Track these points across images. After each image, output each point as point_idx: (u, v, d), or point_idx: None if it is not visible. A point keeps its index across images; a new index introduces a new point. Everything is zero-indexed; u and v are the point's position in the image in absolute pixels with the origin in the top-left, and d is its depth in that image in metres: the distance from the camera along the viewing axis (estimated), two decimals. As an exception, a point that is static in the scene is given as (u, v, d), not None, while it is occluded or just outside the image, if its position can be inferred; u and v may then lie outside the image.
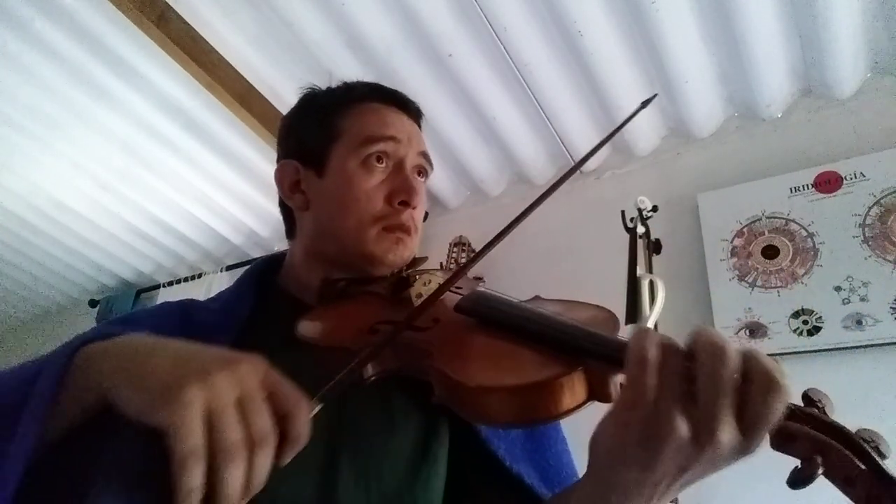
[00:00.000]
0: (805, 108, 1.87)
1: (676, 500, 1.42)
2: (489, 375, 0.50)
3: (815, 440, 0.40)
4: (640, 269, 1.55)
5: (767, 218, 1.78)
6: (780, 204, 1.77)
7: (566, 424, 0.54)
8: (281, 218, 0.83)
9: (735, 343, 0.41)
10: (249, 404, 0.39)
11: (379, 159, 0.73)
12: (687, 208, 1.94)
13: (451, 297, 0.65)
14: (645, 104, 0.74)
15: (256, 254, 2.95)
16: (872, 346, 1.52)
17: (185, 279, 3.22)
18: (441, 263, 2.17)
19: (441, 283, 0.57)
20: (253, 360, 0.43)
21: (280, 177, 0.79)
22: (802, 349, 1.58)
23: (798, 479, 0.39)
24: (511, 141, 2.17)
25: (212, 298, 0.77)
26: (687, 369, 0.40)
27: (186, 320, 0.68)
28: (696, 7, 1.64)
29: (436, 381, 0.53)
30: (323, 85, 0.83)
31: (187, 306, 0.73)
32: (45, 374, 0.44)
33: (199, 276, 3.16)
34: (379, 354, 0.54)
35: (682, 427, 0.39)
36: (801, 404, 0.42)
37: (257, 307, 0.72)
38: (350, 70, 1.85)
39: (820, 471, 0.38)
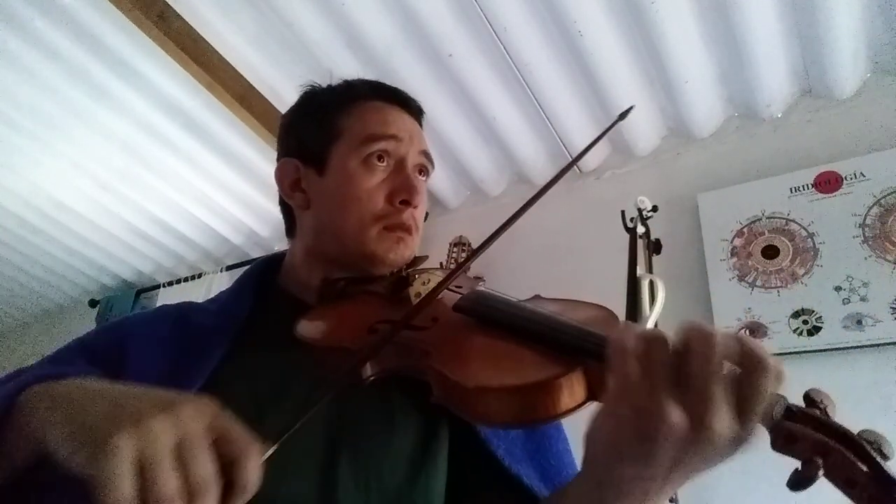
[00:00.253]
0: (805, 108, 1.87)
1: (676, 500, 1.42)
2: (488, 375, 0.50)
3: (816, 441, 0.39)
4: (640, 269, 1.55)
5: (767, 218, 1.78)
6: (780, 204, 1.77)
7: (567, 423, 0.54)
8: (281, 218, 0.83)
9: (739, 332, 0.40)
10: (190, 451, 0.36)
11: (380, 158, 0.73)
12: (687, 208, 1.94)
13: (450, 297, 0.64)
14: (622, 116, 0.73)
15: (256, 254, 2.95)
16: (872, 346, 1.52)
17: (185, 279, 3.21)
18: (441, 263, 2.17)
19: (449, 282, 0.57)
20: (199, 402, 0.39)
21: (280, 175, 0.78)
22: (802, 349, 1.58)
23: (798, 481, 0.38)
24: (511, 141, 2.17)
25: (210, 300, 0.77)
26: (675, 358, 0.40)
27: (182, 324, 0.68)
28: (696, 7, 1.64)
29: (434, 382, 0.53)
30: (323, 84, 0.83)
31: (184, 309, 0.73)
32: None
33: (199, 276, 3.16)
34: (377, 354, 0.54)
35: (675, 416, 0.38)
36: (803, 405, 0.42)
37: (256, 307, 0.71)
38: (350, 70, 1.85)
39: (821, 472, 0.38)
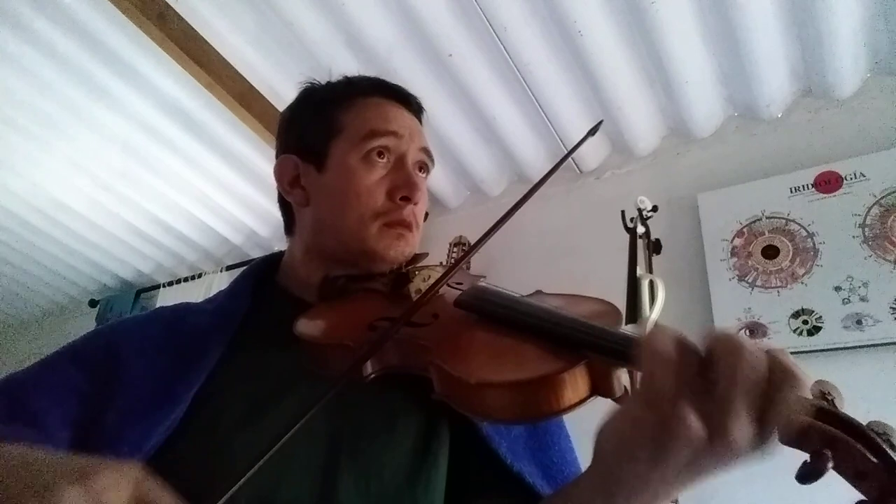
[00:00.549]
0: (805, 108, 1.87)
1: (676, 499, 1.42)
2: (490, 371, 0.50)
3: (825, 434, 0.38)
4: (640, 269, 1.55)
5: (767, 218, 1.78)
6: (780, 204, 1.77)
7: (569, 420, 0.54)
8: (281, 218, 0.82)
9: (739, 332, 0.40)
10: None
11: (380, 154, 0.72)
12: (687, 208, 1.94)
13: (451, 293, 0.64)
14: (592, 131, 0.72)
15: (256, 254, 2.95)
16: (872, 346, 1.52)
17: (185, 279, 3.22)
18: (441, 263, 2.17)
19: (448, 278, 0.57)
20: (120, 470, 0.36)
21: (279, 172, 0.77)
22: (802, 349, 1.58)
23: (807, 474, 0.37)
24: (511, 141, 2.17)
25: (207, 300, 0.76)
26: (702, 367, 0.40)
27: (177, 326, 0.67)
28: (696, 7, 1.64)
29: (436, 378, 0.53)
30: (322, 81, 0.83)
31: (180, 311, 0.72)
32: None
33: (199, 276, 3.16)
34: (377, 351, 0.53)
35: (696, 424, 0.38)
36: (810, 397, 0.41)
37: (254, 307, 0.71)
38: (350, 70, 1.85)
39: (830, 465, 0.37)
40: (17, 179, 2.64)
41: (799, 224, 1.73)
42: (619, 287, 1.50)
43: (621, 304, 1.47)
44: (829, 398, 0.40)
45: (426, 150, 0.78)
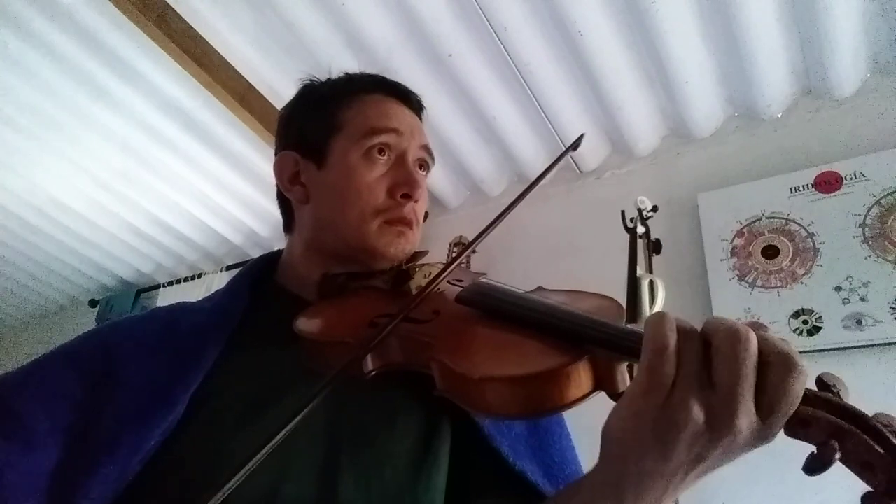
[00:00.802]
0: (805, 108, 1.87)
1: (677, 500, 1.42)
2: (492, 366, 0.49)
3: (832, 425, 0.38)
4: (640, 269, 1.55)
5: (767, 218, 1.78)
6: (780, 204, 1.77)
7: (569, 415, 0.54)
8: (281, 218, 0.83)
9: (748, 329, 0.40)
10: None
11: (381, 151, 0.72)
12: (687, 208, 1.94)
13: (452, 290, 0.64)
14: (575, 146, 0.71)
15: (256, 254, 2.93)
16: (872, 346, 1.51)
17: (185, 279, 3.21)
18: (442, 262, 2.17)
19: (446, 275, 0.56)
20: None
21: (279, 169, 0.77)
22: (802, 349, 1.58)
23: (815, 466, 0.38)
24: (511, 141, 2.17)
25: (205, 298, 0.76)
26: (703, 354, 0.40)
27: (174, 325, 0.66)
28: (696, 7, 1.64)
29: (438, 374, 0.52)
30: (322, 78, 0.82)
31: (176, 310, 0.72)
32: None
33: (199, 276, 3.16)
34: (376, 348, 0.53)
35: (699, 414, 0.38)
36: (815, 389, 0.41)
37: (253, 305, 0.70)
38: (350, 70, 1.85)
39: (837, 456, 0.37)
40: (17, 179, 2.63)
41: (799, 224, 1.73)
42: (619, 287, 1.50)
43: (621, 304, 1.46)
44: (835, 390, 0.40)
45: (427, 148, 0.77)
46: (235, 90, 2.05)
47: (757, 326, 0.41)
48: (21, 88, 2.15)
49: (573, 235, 2.15)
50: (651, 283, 1.51)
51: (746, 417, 0.38)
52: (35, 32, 1.94)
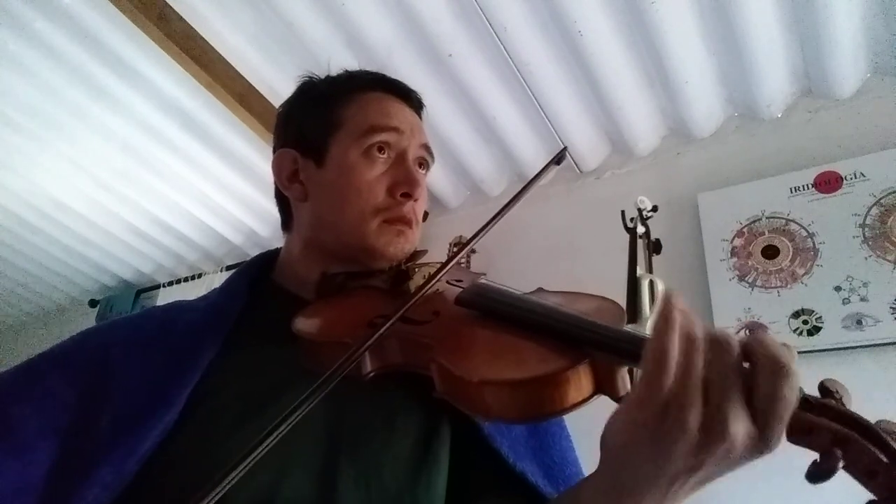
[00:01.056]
0: (805, 108, 1.87)
1: None
2: (492, 369, 0.49)
3: (835, 432, 0.38)
4: (640, 269, 1.55)
5: (767, 218, 1.78)
6: (780, 204, 1.77)
7: (568, 418, 0.54)
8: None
9: (738, 332, 0.39)
10: None
11: (381, 150, 0.71)
12: (687, 208, 1.94)
13: (452, 291, 0.64)
14: (559, 160, 0.70)
15: (256, 253, 2.93)
16: (872, 346, 1.51)
17: (185, 279, 3.21)
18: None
19: (441, 274, 0.56)
20: None
21: (277, 166, 0.76)
22: (802, 349, 1.58)
23: (817, 474, 0.37)
24: (511, 141, 2.17)
25: (201, 297, 0.75)
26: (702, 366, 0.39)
27: (169, 326, 0.66)
28: (696, 7, 1.64)
29: (437, 376, 0.52)
30: (321, 75, 0.81)
31: (172, 309, 0.71)
32: None
33: (199, 276, 3.16)
34: (374, 348, 0.52)
35: (694, 424, 0.37)
36: (818, 395, 0.41)
37: (250, 304, 0.70)
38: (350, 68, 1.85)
39: (840, 464, 0.37)
40: (17, 179, 2.63)
41: (799, 224, 1.73)
42: (619, 287, 1.49)
43: (621, 304, 1.46)
44: (838, 396, 0.40)
45: (426, 147, 0.77)
46: (235, 90, 2.05)
47: (756, 327, 0.41)
48: (21, 88, 2.14)
49: (573, 235, 2.15)
50: (651, 283, 1.51)
51: (739, 425, 0.37)
52: (35, 32, 1.93)
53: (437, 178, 2.40)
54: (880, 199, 1.64)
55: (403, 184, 0.71)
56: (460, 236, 2.28)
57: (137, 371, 0.59)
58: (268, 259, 0.80)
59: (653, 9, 1.60)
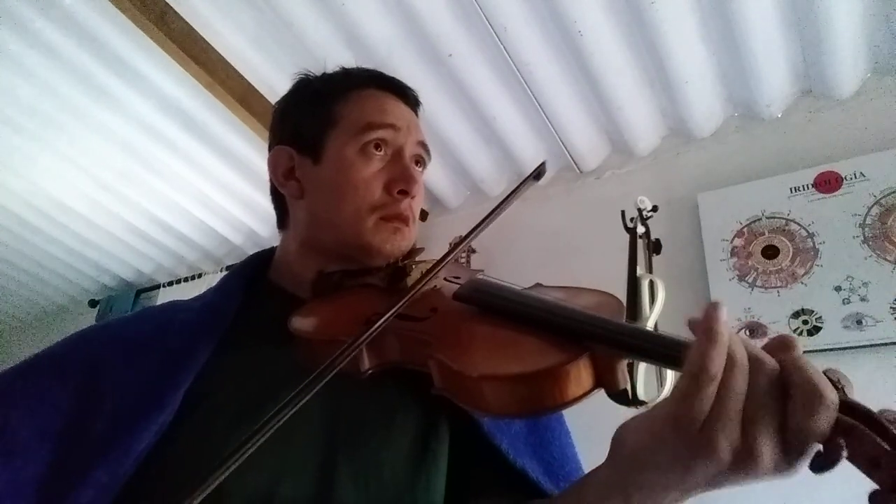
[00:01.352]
0: (805, 108, 1.87)
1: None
2: (491, 364, 0.49)
3: (838, 422, 0.38)
4: (640, 269, 1.55)
5: (767, 218, 1.78)
6: (780, 204, 1.77)
7: (567, 414, 0.53)
8: None
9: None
10: None
11: (377, 147, 0.71)
12: (687, 208, 1.94)
13: (449, 287, 0.63)
14: (538, 175, 0.67)
15: (256, 254, 2.94)
16: (872, 346, 1.51)
17: (185, 279, 3.22)
18: (441, 263, 2.17)
19: (439, 272, 0.55)
20: None
21: (273, 164, 0.76)
22: (802, 349, 1.57)
23: (822, 464, 0.37)
24: (511, 141, 2.17)
25: (196, 297, 0.74)
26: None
27: (164, 326, 0.65)
28: (696, 7, 1.64)
29: (436, 372, 0.52)
30: (317, 73, 0.81)
31: (168, 309, 0.71)
32: None
33: (199, 276, 3.16)
34: (372, 344, 0.52)
35: (726, 448, 0.37)
36: None
37: (246, 304, 0.69)
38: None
39: (845, 454, 0.36)
40: (17, 179, 2.63)
41: (799, 224, 1.73)
42: (619, 287, 1.50)
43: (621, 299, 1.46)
44: (840, 386, 0.40)
45: (423, 144, 0.77)
46: (235, 90, 2.04)
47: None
48: (21, 88, 2.14)
49: (573, 235, 2.15)
50: (651, 283, 1.51)
51: (770, 453, 0.37)
52: (35, 32, 1.93)
53: (437, 178, 2.40)
54: (880, 199, 1.64)
55: (400, 181, 0.70)
56: (460, 236, 2.28)
57: (132, 371, 0.59)
58: (263, 258, 0.80)
59: (653, 9, 1.60)
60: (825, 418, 0.36)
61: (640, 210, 1.66)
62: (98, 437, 0.54)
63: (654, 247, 1.69)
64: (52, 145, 2.40)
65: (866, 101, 1.78)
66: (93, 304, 3.53)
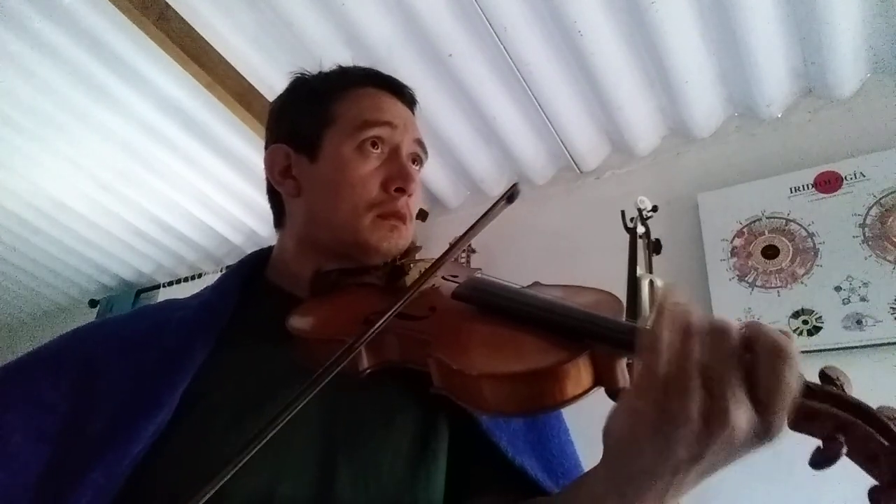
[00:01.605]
0: (805, 108, 1.87)
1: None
2: (491, 363, 0.49)
3: (837, 418, 0.38)
4: (640, 269, 1.55)
5: (767, 218, 1.78)
6: (780, 204, 1.77)
7: (566, 414, 0.53)
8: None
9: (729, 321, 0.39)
10: None
11: (374, 145, 0.71)
12: (687, 208, 1.94)
13: (448, 286, 0.63)
14: (510, 198, 0.62)
15: (256, 254, 2.94)
16: (872, 346, 1.51)
17: (185, 279, 3.22)
18: (441, 262, 2.17)
19: (436, 270, 0.55)
20: None
21: (270, 162, 0.76)
22: (802, 349, 1.55)
23: (821, 460, 0.37)
24: (511, 141, 2.17)
25: (192, 296, 0.74)
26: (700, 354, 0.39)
27: (160, 324, 0.65)
28: (696, 7, 1.64)
29: (435, 371, 0.52)
30: (313, 72, 0.81)
31: (165, 308, 0.71)
32: None
33: (199, 276, 3.16)
34: (371, 343, 0.52)
35: (695, 412, 0.37)
36: (819, 382, 0.41)
37: (242, 303, 0.69)
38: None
39: (844, 450, 0.37)
40: (17, 179, 2.63)
41: (799, 224, 1.73)
42: (619, 287, 1.49)
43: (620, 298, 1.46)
44: (839, 383, 0.40)
45: (420, 142, 0.77)
46: (235, 90, 2.05)
47: (751, 324, 0.40)
48: (21, 88, 2.14)
49: (573, 235, 2.14)
50: (651, 283, 1.51)
51: (741, 412, 0.37)
52: (35, 32, 1.94)
53: (437, 178, 2.40)
54: (880, 199, 1.64)
55: (398, 178, 0.70)
56: (458, 238, 2.28)
57: (129, 371, 0.59)
58: (261, 257, 0.79)
59: (653, 9, 1.60)
60: (790, 371, 0.37)
61: (640, 210, 1.66)
62: (95, 437, 0.54)
63: (654, 247, 1.68)
64: (52, 145, 2.41)
65: (866, 101, 1.78)
66: (93, 304, 3.53)
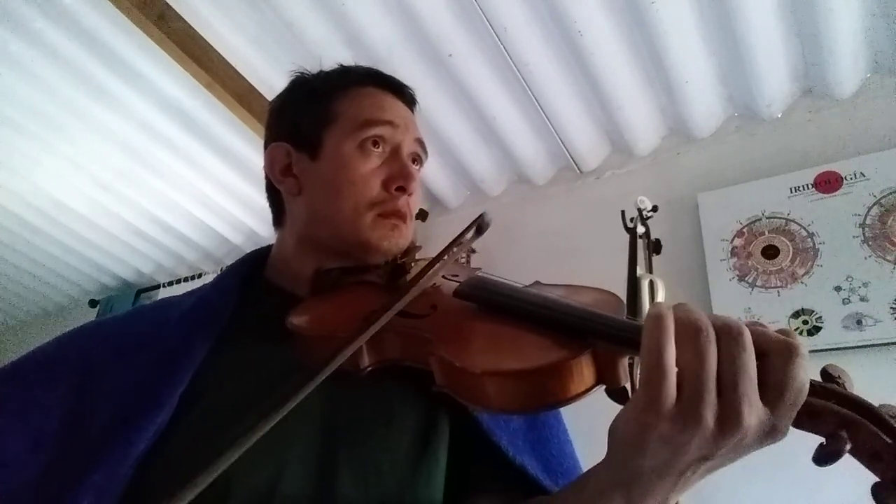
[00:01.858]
0: (805, 108, 1.87)
1: (677, 500, 1.42)
2: (494, 360, 0.49)
3: (840, 415, 0.38)
4: (640, 269, 1.55)
5: (767, 218, 1.78)
6: (780, 204, 1.77)
7: (566, 414, 0.53)
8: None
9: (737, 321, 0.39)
10: None
11: (375, 143, 0.71)
12: (687, 208, 1.94)
13: (449, 285, 0.63)
14: (480, 229, 0.58)
15: (256, 254, 2.94)
16: (872, 346, 1.51)
17: (185, 279, 3.22)
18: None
19: (438, 267, 0.55)
20: None
21: (270, 160, 0.76)
22: (802, 349, 1.58)
23: (825, 456, 0.38)
24: (511, 141, 2.17)
25: (188, 292, 0.74)
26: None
27: (158, 324, 0.65)
28: (696, 7, 1.64)
29: (437, 369, 0.52)
30: (313, 70, 0.81)
31: (162, 307, 0.71)
32: None
33: (199, 276, 3.16)
34: (372, 341, 0.52)
35: (709, 418, 0.37)
36: (820, 380, 0.41)
37: (242, 302, 0.69)
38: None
39: (848, 446, 0.37)
40: (17, 179, 2.63)
41: (799, 224, 1.73)
42: (619, 287, 1.49)
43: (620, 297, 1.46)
44: (840, 381, 0.40)
45: (420, 142, 0.77)
46: (235, 90, 2.05)
47: (754, 325, 0.40)
48: (21, 88, 2.14)
49: (573, 235, 2.14)
50: (651, 283, 1.50)
51: (754, 414, 0.37)
52: (35, 32, 1.94)
53: (437, 178, 2.40)
54: (880, 199, 1.64)
55: (398, 177, 0.70)
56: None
57: (127, 371, 0.59)
58: (260, 256, 0.79)
59: (653, 9, 1.60)
60: (802, 372, 0.37)
61: (640, 210, 1.66)
62: (95, 439, 0.53)
63: (654, 247, 1.68)
64: (52, 145, 2.40)
65: (866, 101, 1.78)
66: (93, 304, 3.53)
